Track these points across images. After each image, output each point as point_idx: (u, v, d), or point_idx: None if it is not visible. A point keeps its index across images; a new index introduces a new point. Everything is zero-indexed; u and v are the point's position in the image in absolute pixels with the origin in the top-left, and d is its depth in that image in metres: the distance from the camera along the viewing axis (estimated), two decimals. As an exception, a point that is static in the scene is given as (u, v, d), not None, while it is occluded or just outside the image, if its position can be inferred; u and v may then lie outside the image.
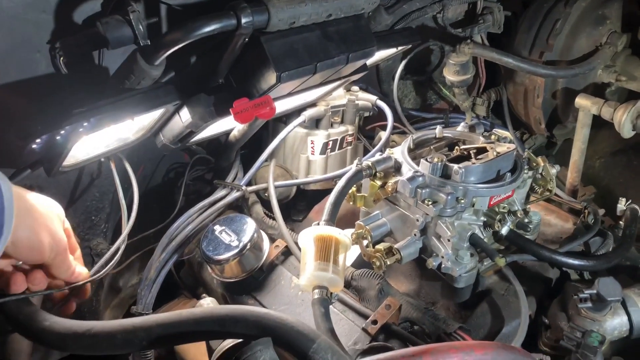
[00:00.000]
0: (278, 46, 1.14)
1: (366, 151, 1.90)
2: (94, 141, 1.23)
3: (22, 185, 1.27)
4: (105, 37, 1.04)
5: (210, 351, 1.05)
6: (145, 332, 0.92)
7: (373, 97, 1.84)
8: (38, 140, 1.05)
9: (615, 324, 1.25)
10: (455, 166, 1.31)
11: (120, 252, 1.26)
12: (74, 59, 1.12)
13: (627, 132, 1.69)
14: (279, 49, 1.14)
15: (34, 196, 0.98)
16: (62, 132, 1.06)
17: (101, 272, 1.20)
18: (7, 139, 1.13)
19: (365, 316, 1.29)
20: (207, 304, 1.12)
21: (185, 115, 1.21)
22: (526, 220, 1.41)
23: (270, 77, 1.15)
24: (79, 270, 1.10)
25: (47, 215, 0.99)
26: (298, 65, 1.16)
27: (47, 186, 1.34)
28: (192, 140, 1.36)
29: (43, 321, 0.97)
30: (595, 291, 1.21)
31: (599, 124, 1.92)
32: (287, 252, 1.52)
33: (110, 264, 1.22)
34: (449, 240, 1.29)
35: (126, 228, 1.27)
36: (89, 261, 1.52)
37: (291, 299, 1.41)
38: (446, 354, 0.95)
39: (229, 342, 0.99)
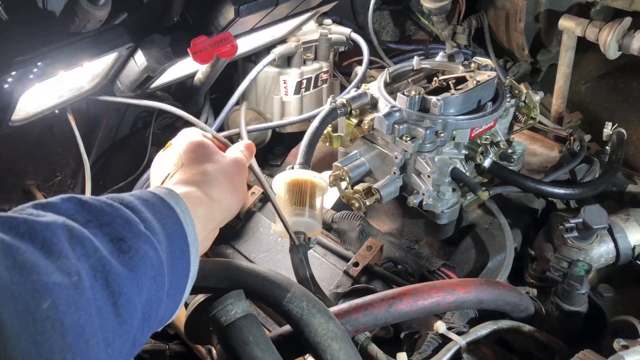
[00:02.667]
0: (234, -24, 1.04)
1: (343, 88, 1.82)
2: (46, 92, 1.15)
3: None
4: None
5: (186, 306, 1.00)
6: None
7: (347, 30, 1.75)
8: (-18, 92, 0.97)
9: (601, 251, 1.22)
10: (433, 98, 1.24)
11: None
12: (14, 3, 1.02)
13: (612, 53, 1.61)
14: (235, -21, 1.04)
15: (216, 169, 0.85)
16: (9, 79, 0.98)
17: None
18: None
19: (346, 259, 1.25)
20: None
21: (140, 59, 1.13)
22: (510, 150, 1.36)
23: (228, 12, 1.06)
24: None
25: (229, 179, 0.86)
26: (257, -4, 1.07)
27: (2, 143, 1.26)
28: (153, 86, 1.27)
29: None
30: (581, 220, 1.18)
31: (585, 47, 1.84)
32: (264, 199, 1.47)
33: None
34: (429, 177, 1.24)
35: (88, 183, 1.20)
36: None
37: (270, 246, 1.37)
38: (427, 294, 0.92)
39: (201, 297, 0.95)
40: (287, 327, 0.86)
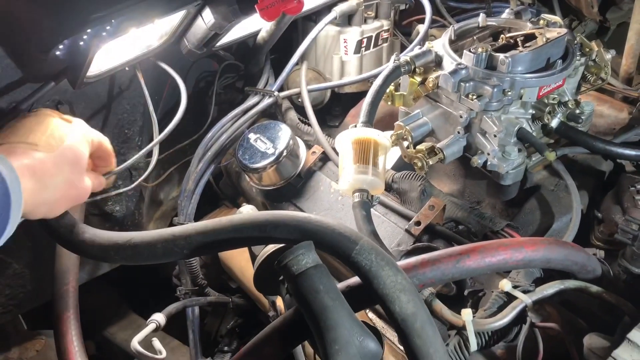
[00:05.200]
0: None
1: (403, 48, 1.79)
2: (117, 49, 1.18)
3: (51, 101, 1.26)
4: None
5: (253, 257, 1.04)
6: (185, 240, 0.90)
7: (408, -13, 1.71)
8: (61, 47, 1.00)
9: (673, 215, 1.18)
10: (501, 56, 1.21)
11: (153, 164, 1.23)
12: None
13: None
14: None
15: (45, 145, 0.91)
16: (85, 36, 1.01)
17: (135, 183, 1.18)
18: (28, 54, 1.09)
19: (407, 218, 1.26)
20: (247, 212, 1.09)
21: (207, 16, 1.14)
22: (577, 111, 1.32)
23: (296, -33, 1.06)
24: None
25: (58, 169, 0.91)
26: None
27: (76, 100, 1.31)
28: (218, 44, 1.29)
29: (83, 233, 0.97)
30: (653, 181, 1.14)
31: (660, 3, 1.74)
32: (324, 158, 1.48)
33: (145, 174, 1.20)
34: (495, 136, 1.22)
35: (157, 139, 1.24)
36: (127, 175, 1.51)
37: (331, 204, 1.39)
38: (495, 252, 0.92)
39: (270, 248, 0.98)
40: (354, 279, 0.88)
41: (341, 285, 0.88)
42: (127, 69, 1.24)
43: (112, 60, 1.19)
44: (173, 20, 1.19)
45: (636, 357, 0.84)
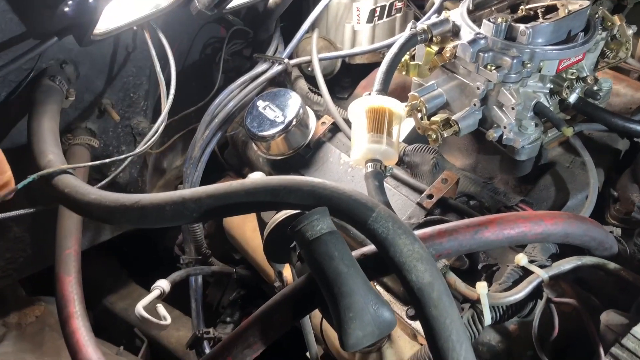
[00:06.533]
0: None
1: (417, 20, 1.75)
2: (125, 8, 1.14)
3: (56, 60, 1.22)
4: None
5: (262, 225, 1.01)
6: (195, 203, 0.87)
7: (423, -42, 1.66)
8: (70, 2, 0.96)
9: (691, 194, 1.16)
10: (522, 26, 1.17)
11: (160, 130, 1.20)
12: None
13: None
14: None
15: None
16: (94, -8, 0.97)
17: (141, 149, 1.15)
18: (33, 8, 1.05)
19: (420, 191, 1.23)
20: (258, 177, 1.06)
21: (221, -27, 1.10)
22: (596, 87, 1.29)
23: None
24: None
25: None
26: None
27: (81, 60, 1.27)
28: (229, 6, 1.24)
29: (89, 194, 0.94)
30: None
31: (679, -19, 1.70)
32: (334, 129, 1.45)
33: (151, 140, 1.16)
34: (512, 109, 1.19)
35: (166, 105, 1.20)
36: (131, 140, 1.48)
37: (341, 176, 1.36)
38: (514, 224, 0.89)
39: (282, 214, 0.95)
40: (369, 247, 0.85)
41: (356, 253, 0.85)
42: (135, 28, 1.20)
43: (119, 18, 1.15)
44: (184, -22, 1.15)
45: (655, 334, 0.82)
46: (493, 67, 1.16)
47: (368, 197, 0.82)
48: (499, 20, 1.19)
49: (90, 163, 1.14)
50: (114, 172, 1.22)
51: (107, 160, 1.09)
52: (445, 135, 1.22)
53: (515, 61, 1.15)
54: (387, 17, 1.64)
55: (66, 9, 0.98)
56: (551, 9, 1.25)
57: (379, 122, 1.14)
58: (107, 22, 1.12)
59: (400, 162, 1.34)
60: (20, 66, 1.11)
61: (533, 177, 1.30)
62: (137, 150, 1.15)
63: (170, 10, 1.24)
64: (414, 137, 1.42)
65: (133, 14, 1.16)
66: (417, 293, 0.75)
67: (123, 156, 1.12)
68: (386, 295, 1.21)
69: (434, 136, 1.23)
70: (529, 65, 1.16)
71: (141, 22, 1.19)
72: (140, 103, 1.43)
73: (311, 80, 1.54)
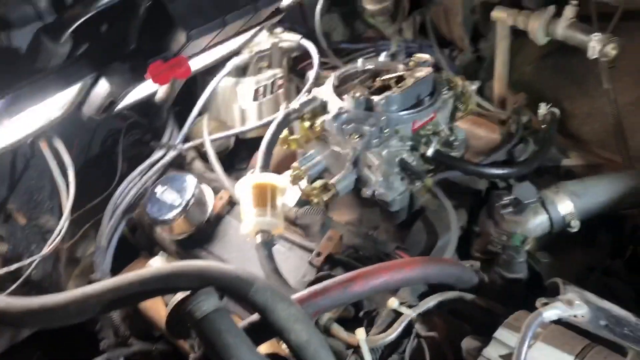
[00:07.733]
0: (182, 5, 1.15)
1: (299, 91, 1.93)
2: (17, 124, 1.23)
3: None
4: (6, 18, 1.03)
5: (166, 305, 1.11)
6: (96, 298, 0.96)
7: (297, 37, 1.85)
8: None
9: (536, 222, 1.35)
10: (375, 98, 1.36)
11: (63, 231, 1.28)
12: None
13: (541, 39, 1.75)
14: (183, 8, 1.14)
15: None
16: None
17: (46, 251, 1.23)
18: None
19: (311, 250, 1.37)
20: (156, 265, 1.17)
21: (103, 86, 1.22)
22: (451, 138, 1.48)
23: (180, 37, 1.17)
24: None
25: None
26: (205, 21, 1.18)
27: (-19, 174, 1.34)
28: (118, 108, 1.37)
29: (-3, 304, 1.01)
30: (513, 197, 1.31)
31: (525, 31, 1.96)
32: (232, 202, 1.57)
33: (55, 241, 1.25)
34: (378, 169, 1.36)
35: (67, 205, 1.30)
36: (40, 239, 1.55)
37: (241, 245, 1.48)
38: (377, 275, 1.04)
39: (178, 296, 1.06)
40: (255, 316, 0.98)
41: (243, 322, 0.97)
42: (29, 140, 1.29)
43: (14, 134, 1.25)
44: (71, 91, 1.26)
45: (502, 352, 0.98)
46: (356, 136, 1.33)
47: (248, 272, 0.95)
48: (357, 94, 1.37)
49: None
50: (26, 272, 1.29)
51: (12, 267, 1.15)
52: (325, 198, 1.37)
53: (373, 129, 1.32)
54: (270, 93, 1.81)
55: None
56: (402, 78, 1.45)
57: (263, 197, 1.28)
58: (2, 139, 1.22)
59: (295, 225, 1.48)
60: None
61: (409, 223, 1.47)
62: (43, 252, 1.24)
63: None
64: (305, 200, 1.57)
65: (27, 129, 1.26)
66: (298, 350, 0.88)
67: (28, 260, 1.19)
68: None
69: (315, 200, 1.38)
70: (386, 130, 1.34)
71: (36, 134, 1.29)
72: (46, 203, 1.51)
73: (209, 158, 1.67)
